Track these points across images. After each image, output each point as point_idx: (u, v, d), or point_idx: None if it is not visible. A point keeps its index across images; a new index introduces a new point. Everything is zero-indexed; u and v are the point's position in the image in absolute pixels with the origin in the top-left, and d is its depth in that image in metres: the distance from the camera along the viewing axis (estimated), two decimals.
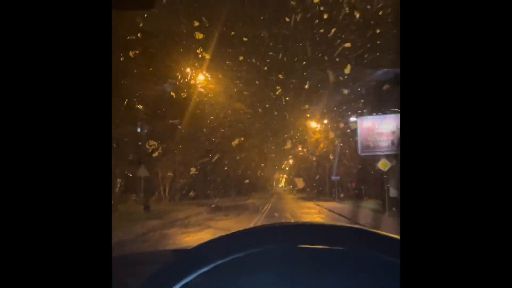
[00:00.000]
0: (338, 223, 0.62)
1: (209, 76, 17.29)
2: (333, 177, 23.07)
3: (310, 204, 21.40)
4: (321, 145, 24.46)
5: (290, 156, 38.26)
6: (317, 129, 24.98)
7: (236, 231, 0.61)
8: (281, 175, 55.56)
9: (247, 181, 27.61)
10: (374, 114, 16.80)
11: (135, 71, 12.06)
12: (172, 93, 15.21)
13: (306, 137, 26.45)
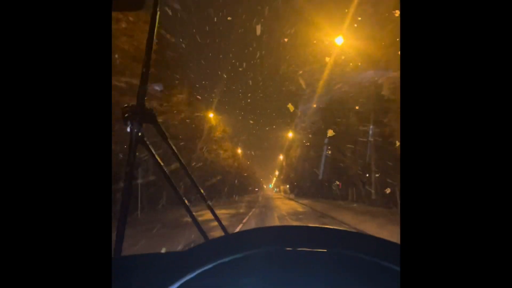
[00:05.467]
0: (335, 227, 0.60)
1: None
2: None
3: None
4: None
5: None
6: None
7: (228, 234, 0.59)
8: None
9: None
10: None
11: None
12: None
13: None
